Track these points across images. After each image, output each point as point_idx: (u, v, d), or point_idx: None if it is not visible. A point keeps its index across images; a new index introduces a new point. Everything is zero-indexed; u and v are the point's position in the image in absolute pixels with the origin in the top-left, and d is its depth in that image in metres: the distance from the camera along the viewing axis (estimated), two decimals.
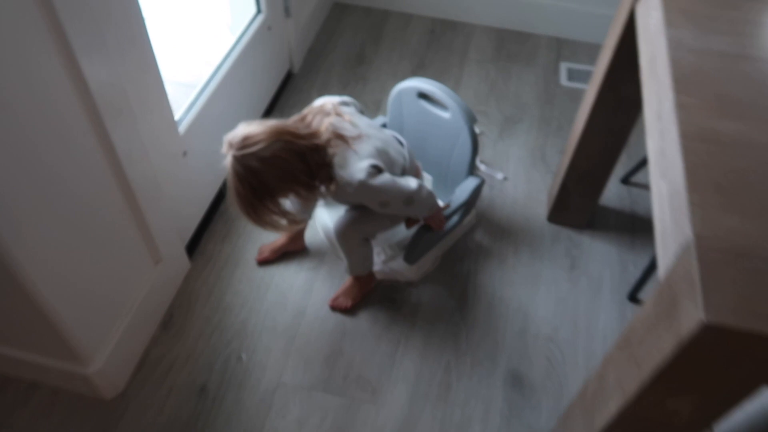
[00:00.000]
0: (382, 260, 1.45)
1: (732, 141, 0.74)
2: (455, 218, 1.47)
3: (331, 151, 1.11)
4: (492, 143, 1.81)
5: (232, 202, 1.08)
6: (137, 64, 1.12)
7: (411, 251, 1.38)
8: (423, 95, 1.41)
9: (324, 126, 1.11)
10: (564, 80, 2.04)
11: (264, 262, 1.48)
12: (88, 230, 1.05)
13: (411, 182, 1.18)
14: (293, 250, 1.50)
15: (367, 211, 1.24)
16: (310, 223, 1.54)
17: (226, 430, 1.21)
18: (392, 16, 2.22)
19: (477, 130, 1.43)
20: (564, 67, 2.08)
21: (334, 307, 1.40)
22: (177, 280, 1.41)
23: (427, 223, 1.31)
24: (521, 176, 1.74)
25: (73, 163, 0.97)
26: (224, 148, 1.04)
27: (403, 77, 1.91)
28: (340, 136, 1.12)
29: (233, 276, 1.46)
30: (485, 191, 1.68)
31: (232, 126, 1.06)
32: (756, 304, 0.58)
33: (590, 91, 1.35)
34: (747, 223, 0.65)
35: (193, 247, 1.49)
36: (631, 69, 1.17)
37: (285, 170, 1.06)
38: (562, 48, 2.15)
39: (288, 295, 1.43)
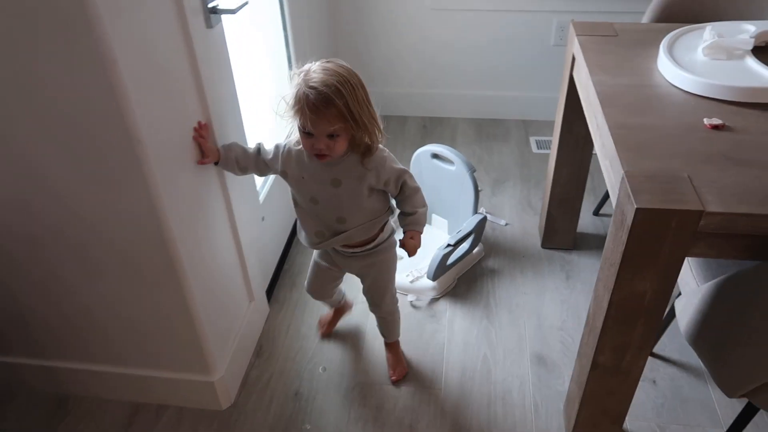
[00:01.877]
0: (409, 281, 1.85)
1: (637, 126, 1.21)
2: (466, 246, 1.89)
3: (380, 145, 1.26)
4: (488, 198, 2.28)
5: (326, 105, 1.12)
6: None
7: (433, 270, 1.78)
8: (435, 155, 1.91)
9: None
10: (534, 149, 2.56)
11: (327, 335, 1.76)
12: (217, 272, 1.45)
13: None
14: (345, 313, 1.79)
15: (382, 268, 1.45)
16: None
17: (322, 420, 1.54)
18: (391, 119, 2.78)
19: (479, 186, 1.89)
20: (533, 139, 2.62)
21: (399, 379, 1.62)
22: (262, 318, 1.78)
23: (403, 245, 1.35)
24: (516, 220, 2.18)
25: (214, 228, 1.40)
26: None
27: (407, 160, 2.41)
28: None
29: (304, 313, 1.84)
30: (492, 234, 2.12)
31: (285, 206, 1.51)
32: (663, 196, 1.01)
33: (554, 137, 1.85)
34: (649, 162, 1.10)
35: (268, 294, 1.88)
36: (577, 113, 1.67)
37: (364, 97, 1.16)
38: (529, 126, 2.71)
39: (351, 320, 1.80)
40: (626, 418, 1.50)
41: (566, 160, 1.85)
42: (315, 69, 1.14)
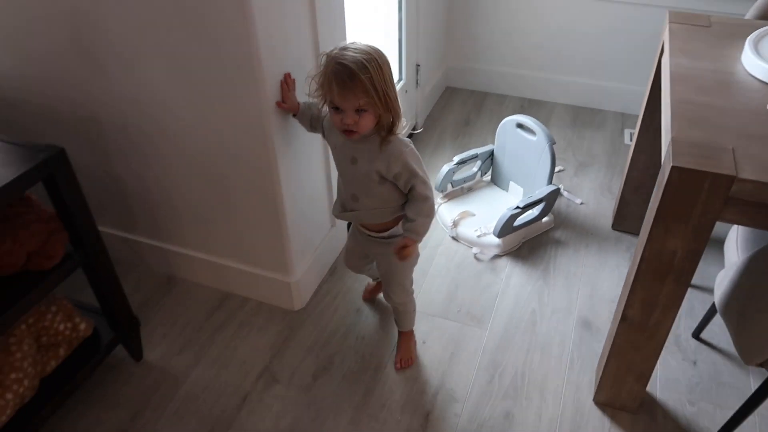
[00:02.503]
0: (476, 235, 2.00)
1: (700, 103, 1.29)
2: (535, 212, 2.01)
3: (399, 129, 1.29)
4: (569, 177, 2.37)
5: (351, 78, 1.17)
6: None
7: (499, 228, 1.92)
8: (519, 125, 2.04)
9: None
10: (627, 140, 2.60)
11: (367, 300, 1.86)
12: (308, 190, 1.69)
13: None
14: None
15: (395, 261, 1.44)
16: None
17: (375, 334, 1.75)
18: (491, 97, 2.91)
19: (560, 165, 2.00)
20: (627, 132, 2.65)
21: (403, 368, 1.65)
22: (339, 245, 2.02)
23: (398, 249, 1.36)
24: (592, 201, 2.26)
25: (311, 153, 1.64)
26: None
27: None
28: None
29: None
30: (565, 209, 2.22)
31: None
32: (701, 159, 1.10)
33: (637, 123, 1.92)
34: (699, 133, 1.19)
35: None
36: (659, 101, 1.73)
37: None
38: (627, 120, 2.74)
39: (428, 253, 1.99)
40: (658, 388, 1.59)
41: (645, 147, 1.91)
42: (343, 48, 1.21)
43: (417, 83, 2.52)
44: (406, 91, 2.42)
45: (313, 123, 1.46)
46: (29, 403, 1.38)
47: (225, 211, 1.68)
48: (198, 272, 1.89)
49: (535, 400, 1.57)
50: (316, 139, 1.67)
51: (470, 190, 2.25)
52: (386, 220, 1.41)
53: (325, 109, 1.33)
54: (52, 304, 1.44)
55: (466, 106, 2.85)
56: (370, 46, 1.22)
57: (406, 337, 1.69)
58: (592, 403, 1.57)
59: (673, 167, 1.10)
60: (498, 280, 1.93)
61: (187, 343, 1.74)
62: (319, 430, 1.51)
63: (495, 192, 2.24)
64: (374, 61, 1.19)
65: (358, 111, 1.22)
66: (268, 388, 1.62)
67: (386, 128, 1.27)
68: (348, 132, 1.26)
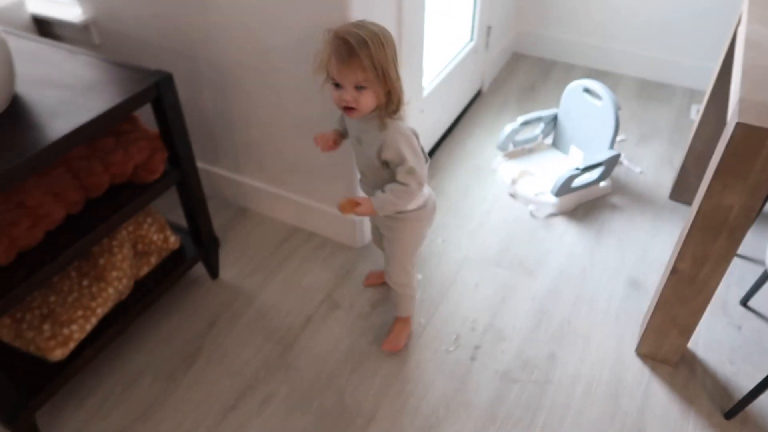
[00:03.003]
0: (534, 193, 2.08)
1: None
2: (594, 176, 2.07)
3: (401, 109, 1.28)
4: (630, 148, 2.40)
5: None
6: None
7: (557, 187, 1.99)
8: (587, 89, 2.09)
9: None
10: (693, 116, 2.59)
11: (367, 286, 1.83)
12: None
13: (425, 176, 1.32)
14: None
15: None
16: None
17: (432, 275, 1.86)
18: (558, 65, 2.94)
19: (623, 136, 2.03)
20: (694, 107, 2.64)
21: (387, 350, 1.64)
22: None
23: (348, 199, 1.33)
24: (651, 172, 2.29)
25: None
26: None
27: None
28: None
29: (446, 187, 2.15)
30: (624, 177, 2.26)
31: (441, 108, 1.78)
32: (766, 119, 1.15)
33: (706, 94, 1.94)
34: (766, 95, 1.23)
35: None
36: (729, 77, 1.75)
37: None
38: (695, 95, 2.72)
39: (475, 203, 2.09)
40: (700, 348, 1.65)
41: (711, 119, 1.93)
42: (348, 24, 1.20)
43: (487, 45, 2.57)
44: (476, 52, 2.48)
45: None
46: (124, 300, 1.56)
47: (304, 150, 1.80)
48: (270, 206, 2.04)
49: (579, 346, 1.66)
50: None
51: (531, 151, 2.32)
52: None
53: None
54: (148, 215, 1.62)
55: (532, 73, 2.88)
56: (377, 25, 1.21)
57: (401, 323, 1.67)
58: (634, 354, 1.65)
59: (738, 123, 1.16)
60: (551, 237, 2.01)
61: (257, 268, 1.90)
62: (375, 353, 1.65)
63: (555, 155, 2.30)
64: (377, 38, 1.17)
65: (358, 88, 1.20)
66: (330, 312, 1.76)
67: (386, 109, 1.25)
68: (347, 109, 1.24)
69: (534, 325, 1.72)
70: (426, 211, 1.44)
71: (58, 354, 1.39)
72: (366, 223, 1.92)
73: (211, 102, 1.87)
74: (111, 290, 1.50)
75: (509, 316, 1.75)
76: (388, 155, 1.27)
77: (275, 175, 1.95)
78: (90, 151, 1.37)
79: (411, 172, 1.28)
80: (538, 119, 2.26)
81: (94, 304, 1.46)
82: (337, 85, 1.22)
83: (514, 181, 2.16)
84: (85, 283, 1.48)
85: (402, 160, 1.27)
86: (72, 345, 1.41)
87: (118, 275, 1.52)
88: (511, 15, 2.83)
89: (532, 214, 2.09)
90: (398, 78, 1.23)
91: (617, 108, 2.01)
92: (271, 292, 1.82)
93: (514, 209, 2.12)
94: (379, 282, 1.83)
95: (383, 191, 1.32)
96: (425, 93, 2.10)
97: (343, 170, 1.78)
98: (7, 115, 1.27)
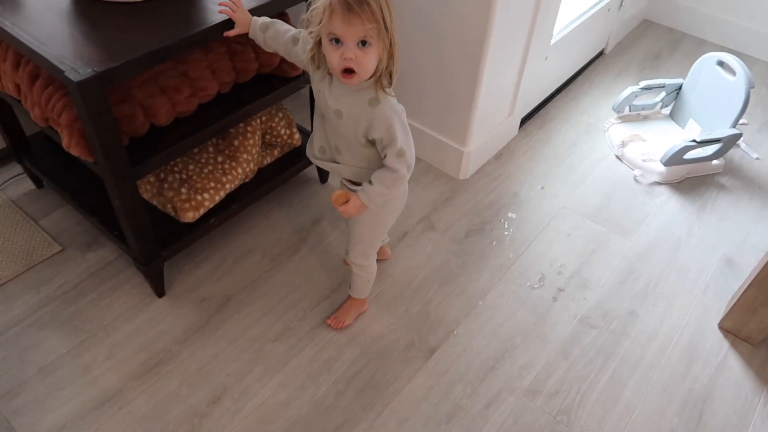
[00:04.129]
0: (642, 159, 2.07)
1: None
2: (708, 151, 2.03)
3: (398, 105, 1.17)
4: (751, 133, 2.33)
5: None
6: None
7: (668, 156, 1.98)
8: (720, 62, 2.03)
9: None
10: None
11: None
12: (500, 74, 1.84)
13: (412, 158, 1.20)
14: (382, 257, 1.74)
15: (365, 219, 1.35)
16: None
17: (526, 217, 1.92)
18: (688, 38, 2.83)
19: (746, 120, 1.97)
20: None
21: (331, 325, 1.59)
22: (509, 134, 2.18)
23: (338, 198, 1.25)
24: None
25: (512, 42, 1.77)
26: None
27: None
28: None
29: (544, 147, 2.19)
30: (738, 161, 2.20)
31: (563, 60, 1.77)
32: None
33: None
34: None
35: (523, 122, 2.26)
36: None
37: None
38: None
39: (579, 158, 2.12)
40: None
41: None
42: None
43: (621, 5, 2.51)
44: (609, 9, 2.44)
45: (273, 45, 1.32)
46: (247, 183, 1.72)
47: (429, 74, 1.88)
48: None
49: (661, 308, 1.70)
50: (524, 25, 1.81)
51: (646, 118, 2.29)
52: (365, 180, 1.24)
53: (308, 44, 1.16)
54: (280, 110, 1.75)
55: (660, 42, 2.80)
56: None
57: (352, 302, 1.61)
58: (716, 327, 1.66)
59: None
60: (652, 203, 2.01)
61: None
62: (463, 275, 1.74)
63: (670, 126, 2.26)
64: None
65: (361, 45, 1.06)
66: (425, 232, 1.86)
67: (384, 76, 1.12)
68: (347, 73, 1.09)
69: (620, 281, 1.76)
70: (399, 194, 1.34)
71: (190, 216, 1.57)
72: (473, 158, 1.99)
73: None
74: (239, 170, 1.65)
75: (596, 267, 1.79)
76: (378, 134, 1.15)
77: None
78: (246, 38, 1.50)
79: (401, 154, 1.16)
80: (661, 86, 2.22)
81: (224, 179, 1.62)
82: (337, 42, 1.07)
83: (623, 144, 2.16)
84: (219, 159, 1.64)
85: (392, 140, 1.15)
86: (202, 211, 1.59)
87: (247, 158, 1.67)
88: None
89: (636, 179, 2.09)
90: (397, 42, 1.10)
91: (750, 86, 1.95)
92: None
93: (619, 171, 2.12)
94: (380, 257, 1.73)
95: (371, 182, 1.20)
96: (552, 41, 2.11)
97: (462, 101, 1.84)
98: None
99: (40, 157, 1.77)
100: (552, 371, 1.54)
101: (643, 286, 1.75)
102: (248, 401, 1.44)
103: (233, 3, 1.31)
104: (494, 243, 1.84)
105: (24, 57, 1.35)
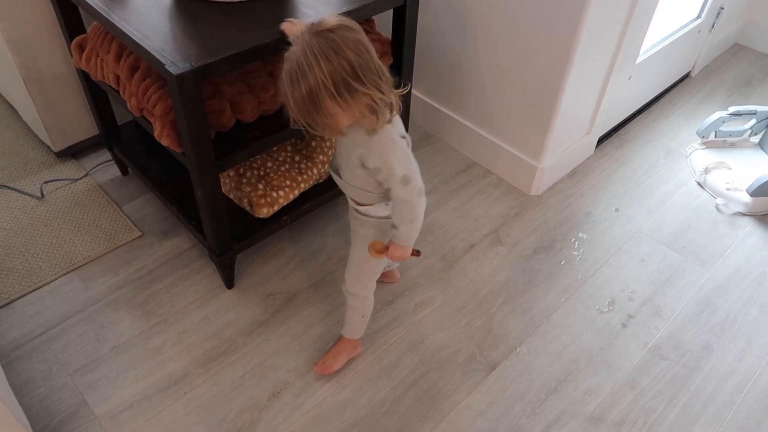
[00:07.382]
0: (726, 187, 1.98)
1: None
2: None
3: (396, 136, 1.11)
4: None
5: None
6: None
7: (756, 187, 1.88)
8: None
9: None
10: None
11: None
12: (582, 96, 1.81)
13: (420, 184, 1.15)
14: (390, 280, 1.71)
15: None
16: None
17: (599, 239, 1.87)
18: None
19: None
20: None
21: (318, 371, 1.48)
22: (585, 153, 2.13)
23: (376, 244, 1.22)
24: None
25: (597, 57, 1.73)
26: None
27: None
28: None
29: (621, 167, 2.13)
30: None
31: (647, 80, 1.71)
32: None
33: None
34: None
35: (601, 141, 2.20)
36: None
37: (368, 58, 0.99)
38: None
39: (658, 183, 2.04)
40: None
41: None
42: (307, 29, 1.00)
43: (712, 27, 2.42)
44: (699, 31, 2.35)
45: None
46: (320, 184, 1.75)
47: (510, 86, 1.86)
48: (456, 137, 2.14)
49: (740, 345, 1.61)
50: (611, 43, 1.77)
51: (732, 145, 2.19)
52: (365, 202, 1.24)
53: None
54: None
55: (752, 68, 2.67)
56: (338, 23, 1.00)
57: (343, 344, 1.50)
58: None
59: None
60: (734, 234, 1.91)
61: (433, 190, 2.01)
62: (529, 293, 1.71)
63: (759, 155, 2.15)
64: (294, 71, 0.98)
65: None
66: (493, 246, 1.84)
67: (381, 114, 1.05)
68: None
69: (695, 313, 1.68)
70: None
71: (265, 212, 1.61)
72: (546, 174, 1.95)
73: (433, 22, 1.97)
74: (315, 170, 1.68)
75: (671, 296, 1.72)
76: (373, 163, 1.11)
77: (470, 108, 2.03)
78: None
79: (406, 181, 1.11)
80: (752, 113, 2.12)
81: (300, 179, 1.66)
82: None
83: (706, 170, 2.07)
84: (296, 158, 1.68)
85: (390, 173, 1.10)
86: (276, 207, 1.62)
87: (323, 159, 1.70)
88: (744, 1, 2.62)
89: (717, 208, 2.00)
90: (376, 83, 1.00)
91: None
92: (442, 213, 1.93)
93: (699, 198, 2.03)
94: (387, 280, 1.71)
95: (394, 226, 1.18)
96: (638, 60, 2.05)
97: (541, 116, 1.81)
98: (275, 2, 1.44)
99: (128, 146, 1.86)
100: (617, 399, 1.49)
101: (721, 321, 1.67)
102: (308, 399, 1.46)
103: (291, 22, 1.26)
104: (563, 262, 1.80)
105: (126, 50, 1.43)
